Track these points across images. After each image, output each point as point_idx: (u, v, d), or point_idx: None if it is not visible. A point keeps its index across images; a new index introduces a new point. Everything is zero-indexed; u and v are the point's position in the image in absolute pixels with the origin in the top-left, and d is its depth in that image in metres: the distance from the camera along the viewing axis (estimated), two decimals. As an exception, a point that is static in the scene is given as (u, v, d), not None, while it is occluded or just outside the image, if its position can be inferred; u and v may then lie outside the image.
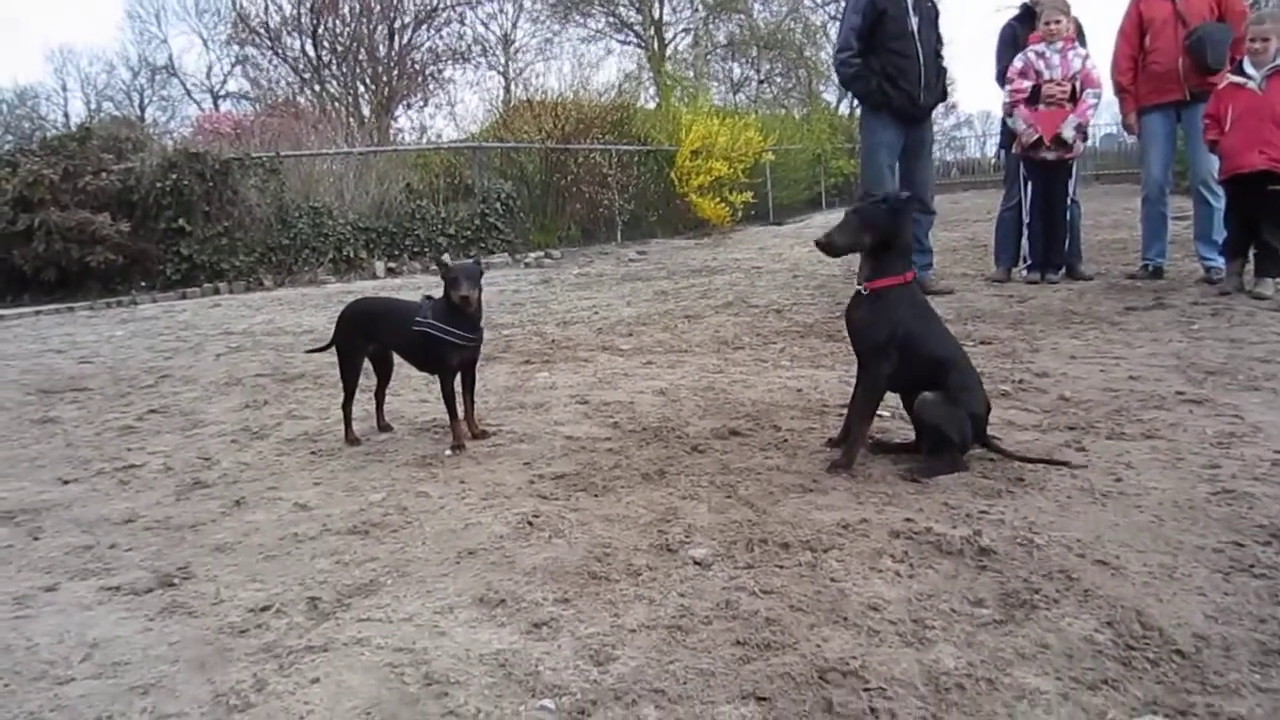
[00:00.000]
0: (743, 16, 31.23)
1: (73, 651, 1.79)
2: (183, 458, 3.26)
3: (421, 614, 1.86)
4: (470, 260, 3.11)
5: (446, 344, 3.03)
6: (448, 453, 3.06)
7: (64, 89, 39.74)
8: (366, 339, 3.28)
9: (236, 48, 27.82)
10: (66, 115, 35.99)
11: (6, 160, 10.51)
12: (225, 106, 30.79)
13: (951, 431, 2.53)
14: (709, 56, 30.71)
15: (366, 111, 22.35)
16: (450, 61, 25.61)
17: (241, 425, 3.67)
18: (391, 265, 11.48)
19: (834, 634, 1.67)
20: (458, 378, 3.16)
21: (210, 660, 1.72)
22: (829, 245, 2.77)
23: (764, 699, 1.47)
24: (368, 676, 1.62)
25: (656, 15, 31.05)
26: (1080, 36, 6.42)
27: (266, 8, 23.72)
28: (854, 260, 6.30)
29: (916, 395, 2.62)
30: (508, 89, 25.56)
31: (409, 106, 24.70)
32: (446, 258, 3.29)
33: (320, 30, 23.58)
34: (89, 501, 2.82)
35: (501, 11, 29.35)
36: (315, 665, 1.67)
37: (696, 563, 2.03)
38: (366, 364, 3.34)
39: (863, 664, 1.56)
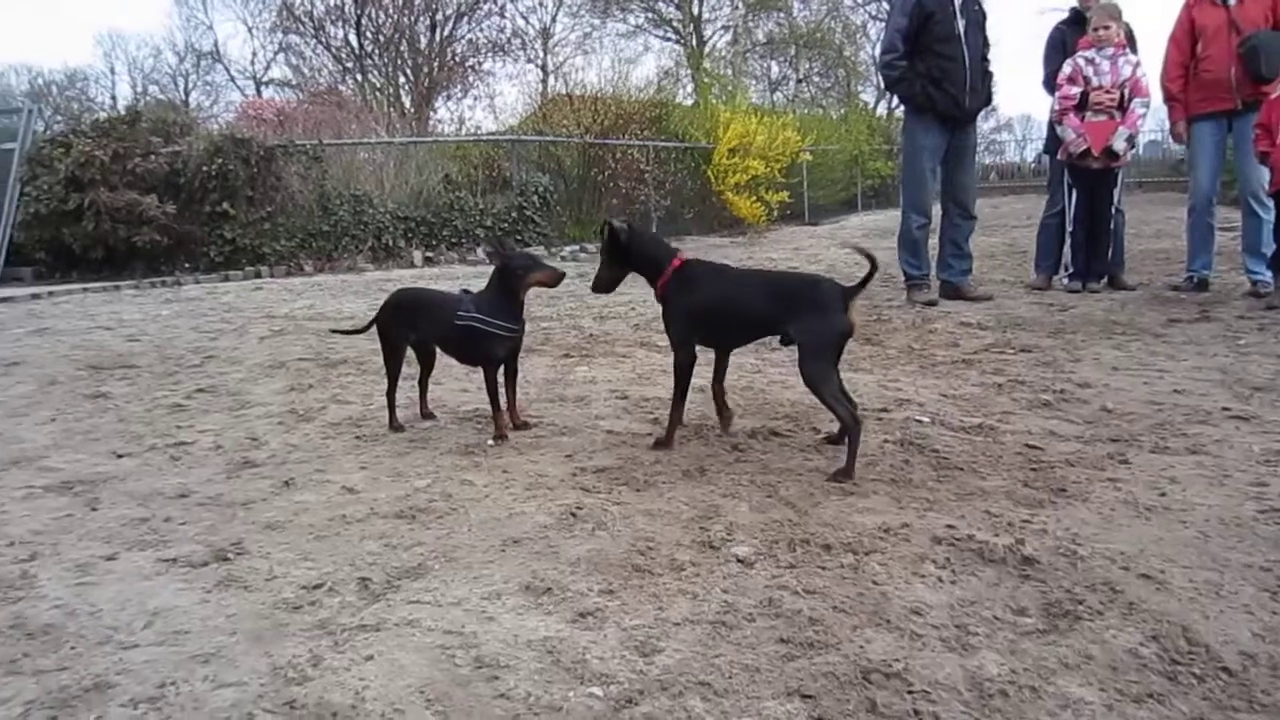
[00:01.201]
0: (782, 15, 31.15)
1: (135, 619, 1.85)
2: (232, 437, 3.33)
3: (469, 599, 1.90)
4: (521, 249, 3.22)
5: (492, 336, 3.08)
6: (490, 442, 3.11)
7: (112, 72, 40.45)
8: (409, 329, 3.33)
9: (280, 35, 28.12)
10: (114, 98, 36.62)
11: (60, 140, 10.71)
12: (268, 93, 31.15)
13: None
14: (747, 54, 30.64)
15: (407, 102, 22.52)
16: (490, 54, 25.76)
17: (287, 407, 3.74)
18: (429, 255, 11.58)
19: (877, 636, 1.69)
20: (501, 369, 3.21)
21: (267, 634, 1.77)
22: (597, 285, 3.13)
23: (809, 697, 1.50)
24: (420, 657, 1.66)
25: (695, 12, 31.06)
26: (1131, 43, 6.35)
27: (311, -4, 23.95)
28: (891, 264, 6.24)
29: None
30: (546, 82, 25.65)
31: (449, 98, 24.84)
32: (488, 247, 3.38)
33: (363, 20, 23.77)
34: (143, 475, 2.89)
35: (541, 5, 29.52)
36: (369, 643, 1.71)
37: (739, 560, 2.06)
38: (410, 353, 3.40)
39: (906, 666, 1.58)
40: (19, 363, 5.06)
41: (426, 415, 3.49)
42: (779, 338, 2.87)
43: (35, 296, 8.94)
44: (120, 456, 3.12)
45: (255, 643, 1.73)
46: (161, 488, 2.75)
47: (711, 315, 2.88)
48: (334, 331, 4.17)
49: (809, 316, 2.70)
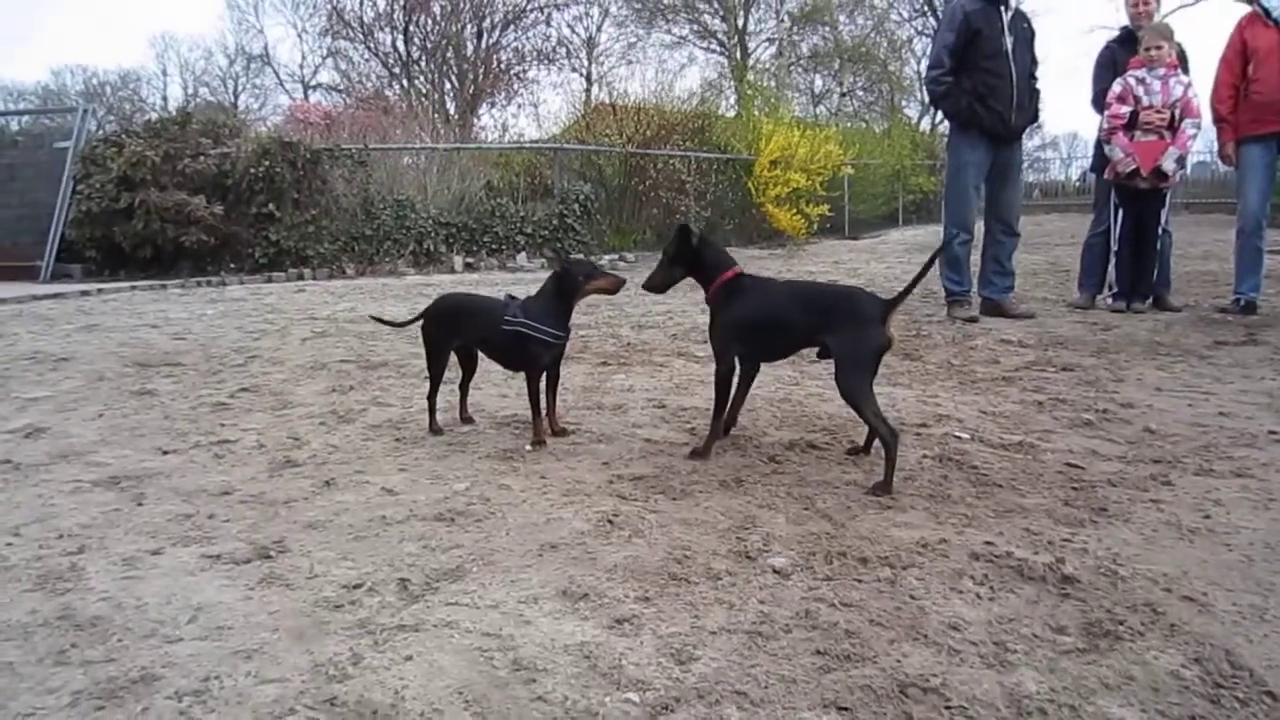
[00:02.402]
0: (827, 28, 31.07)
1: (180, 613, 1.89)
2: (274, 436, 3.38)
3: (507, 602, 1.92)
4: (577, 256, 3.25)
5: (539, 342, 3.10)
6: (528, 448, 3.13)
7: (164, 73, 41.41)
8: (453, 334, 3.37)
9: (329, 40, 28.59)
10: (165, 98, 37.45)
11: (112, 140, 10.97)
12: (315, 97, 31.66)
13: None
14: (791, 67, 30.60)
15: (452, 108, 22.76)
16: (535, 62, 25.99)
17: (329, 409, 3.80)
18: (469, 260, 11.68)
19: (914, 650, 1.69)
20: (543, 375, 3.24)
21: (308, 631, 1.80)
22: (650, 284, 3.16)
23: (845, 709, 1.50)
24: (458, 658, 1.68)
25: (741, 24, 31.09)
26: (1183, 63, 6.27)
27: (361, 3, 24.36)
28: (933, 278, 6.21)
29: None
30: (589, 91, 25.81)
31: (493, 105, 25.09)
32: (549, 252, 3.43)
33: (411, 27, 24.11)
34: (187, 472, 2.94)
35: (587, 14, 29.71)
36: (408, 644, 1.73)
37: (775, 571, 2.06)
38: (452, 358, 3.44)
39: (943, 681, 1.57)
40: (68, 358, 5.17)
41: (466, 419, 3.53)
42: (816, 350, 2.90)
43: (85, 293, 9.15)
44: (165, 453, 3.18)
45: (297, 640, 1.76)
46: (205, 485, 2.80)
47: (752, 327, 2.91)
48: (374, 319, 4.21)
49: (847, 329, 2.71)
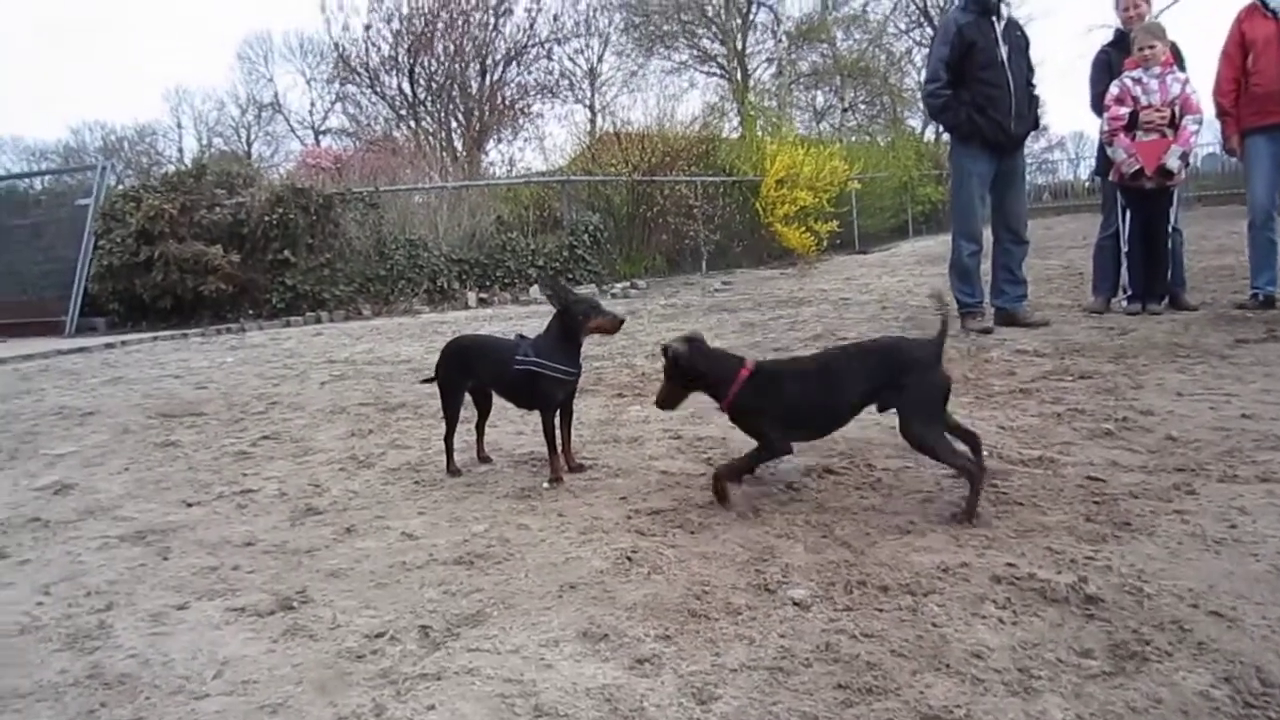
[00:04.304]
0: (825, 46, 31.16)
1: (205, 668, 1.91)
2: (295, 484, 3.41)
3: (528, 646, 1.92)
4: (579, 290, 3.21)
5: (550, 380, 3.12)
6: (546, 486, 3.14)
7: (179, 126, 42.08)
8: (465, 375, 3.39)
9: (337, 86, 28.97)
10: (180, 150, 38.06)
11: (131, 195, 11.18)
12: (326, 142, 32.09)
13: None
14: (792, 86, 30.68)
15: (459, 146, 22.97)
16: (539, 96, 26.24)
17: (348, 453, 3.82)
18: (483, 296, 11.76)
19: (937, 681, 1.68)
20: (557, 412, 3.25)
21: (331, 683, 1.81)
22: (660, 403, 3.05)
23: (869, 743, 1.49)
24: (480, 706, 1.68)
25: (740, 46, 31.24)
26: (1179, 60, 6.26)
27: (366, 49, 24.65)
28: (944, 291, 6.18)
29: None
30: (594, 121, 25.98)
31: (499, 140, 25.32)
32: (547, 290, 3.38)
33: (416, 69, 24.39)
34: (211, 524, 2.97)
35: (588, 46, 29.97)
36: (430, 693, 1.74)
37: (795, 603, 2.05)
38: (467, 398, 3.46)
39: (967, 713, 1.56)
40: (94, 412, 5.24)
41: (483, 459, 3.54)
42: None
43: (109, 346, 9.27)
44: (190, 505, 3.21)
45: (320, 693, 1.77)
46: (229, 536, 2.82)
47: (805, 410, 2.79)
48: (420, 383, 4.24)
49: (908, 379, 2.65)
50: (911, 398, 2.63)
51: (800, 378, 2.83)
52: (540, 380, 3.13)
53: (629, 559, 2.38)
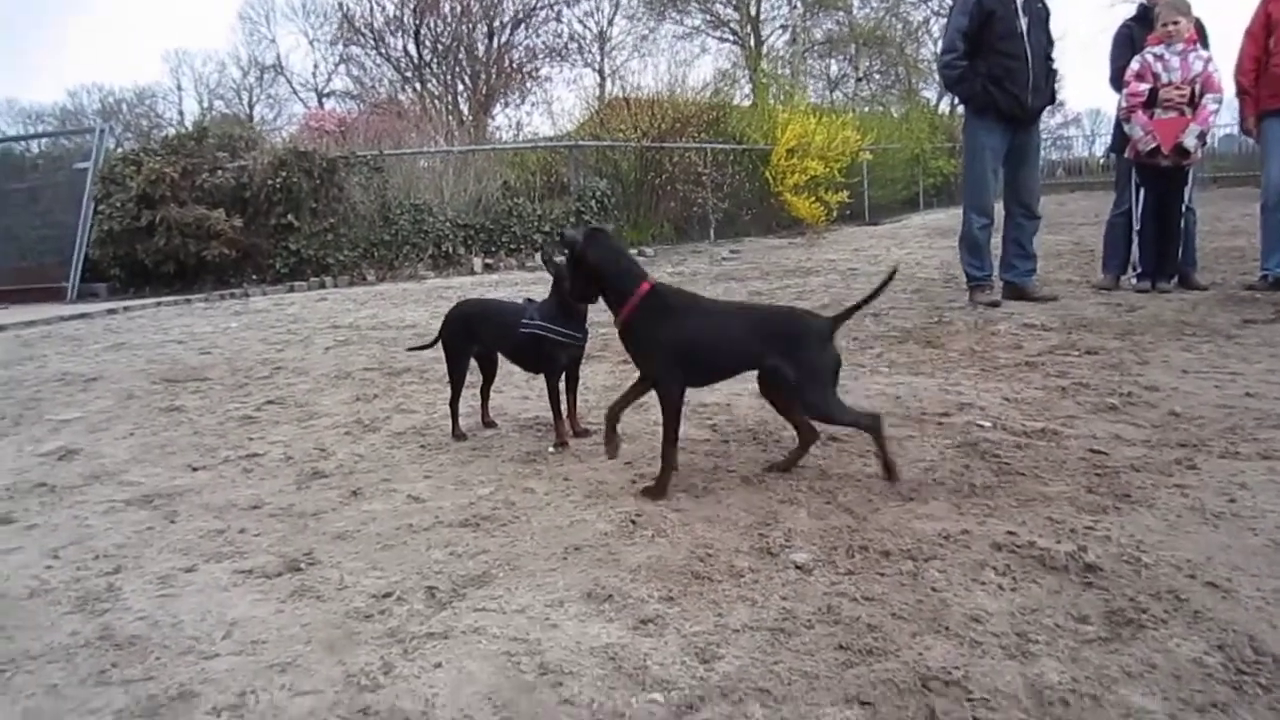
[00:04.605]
0: (842, 13, 30.86)
1: (215, 629, 1.93)
2: (301, 448, 3.43)
3: (533, 606, 1.95)
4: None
5: (555, 343, 3.13)
6: (551, 450, 3.16)
7: (179, 88, 41.88)
8: (471, 340, 3.41)
9: (341, 47, 28.78)
10: (181, 113, 37.89)
11: (131, 159, 11.12)
12: (330, 104, 31.89)
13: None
14: (806, 54, 30.44)
15: (465, 110, 22.85)
16: (547, 59, 26.04)
17: (353, 418, 3.85)
18: (489, 261, 11.74)
19: (936, 643, 1.70)
20: (563, 376, 3.27)
21: (339, 642, 1.84)
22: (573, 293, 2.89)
23: (867, 704, 1.51)
24: (486, 664, 1.71)
25: (753, 12, 30.94)
26: (1203, 38, 6.19)
27: (371, 9, 24.46)
28: (953, 264, 6.17)
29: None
30: (603, 86, 25.80)
31: (506, 105, 25.18)
32: (546, 254, 3.34)
33: (422, 30, 24.21)
34: (217, 488, 3.00)
35: (598, 9, 29.70)
36: (437, 651, 1.77)
37: (797, 567, 2.07)
38: (472, 363, 3.47)
39: (965, 674, 1.58)
40: (97, 378, 5.26)
41: (488, 423, 3.56)
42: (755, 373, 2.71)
43: (111, 312, 9.28)
44: (195, 469, 3.24)
45: (329, 651, 1.80)
46: (235, 500, 2.85)
47: (690, 350, 2.63)
48: (411, 349, 4.24)
49: (802, 351, 2.58)
50: (806, 368, 2.56)
51: (697, 312, 2.68)
52: (544, 344, 3.14)
53: (633, 522, 2.40)
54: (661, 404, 2.63)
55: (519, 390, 4.12)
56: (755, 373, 2.72)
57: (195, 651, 1.84)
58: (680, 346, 2.61)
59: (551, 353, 3.17)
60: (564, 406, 3.27)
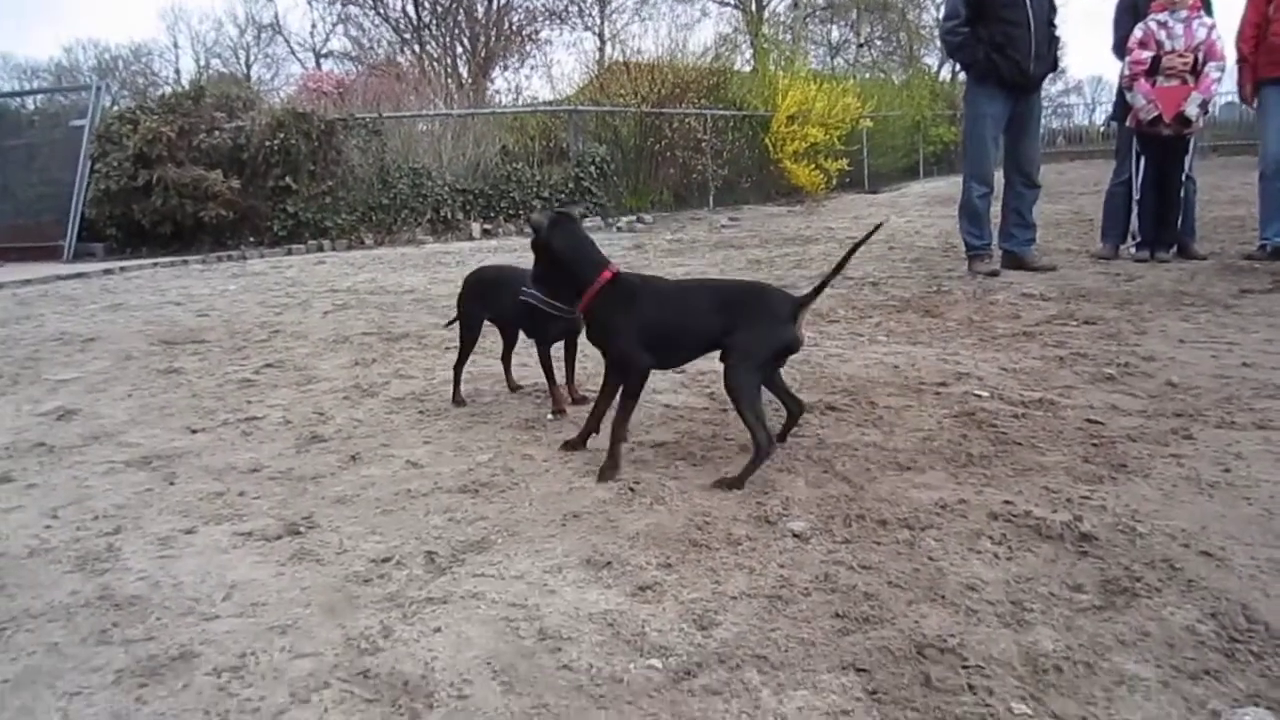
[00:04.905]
0: (843, -23, 30.51)
1: (215, 591, 1.94)
2: (299, 412, 3.43)
3: (532, 572, 1.96)
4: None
5: (546, 315, 3.12)
6: (549, 417, 3.17)
7: (175, 45, 41.50)
8: (483, 307, 3.41)
9: (339, 7, 28.41)
10: (177, 71, 37.52)
11: (128, 117, 11.00)
12: (328, 65, 31.56)
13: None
14: (807, 19, 30.11)
15: (464, 72, 22.63)
16: (547, 22, 25.75)
17: (352, 382, 3.85)
18: (487, 227, 11.69)
19: (932, 611, 1.71)
20: (562, 344, 3.26)
21: (339, 606, 1.85)
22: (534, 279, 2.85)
23: (863, 670, 1.53)
24: (485, 629, 1.72)
25: (755, -24, 30.55)
26: (1207, 4, 6.14)
27: (369, -33, 24.14)
28: (952, 233, 6.16)
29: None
30: (603, 50, 25.53)
31: (505, 68, 24.94)
32: (526, 224, 3.27)
33: (421, -10, 23.90)
34: (216, 450, 3.00)
35: (598, -29, 29.28)
36: (436, 616, 1.78)
37: (795, 535, 2.08)
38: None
39: (960, 642, 1.60)
40: (95, 338, 5.25)
41: (513, 387, 3.57)
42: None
43: (108, 272, 9.25)
44: (194, 432, 3.24)
45: (329, 615, 1.81)
46: (234, 462, 2.85)
47: (654, 333, 2.58)
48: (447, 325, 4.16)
49: (755, 327, 2.49)
50: (744, 343, 2.47)
51: (659, 295, 2.63)
52: (535, 314, 3.13)
53: (631, 490, 2.41)
54: (623, 386, 2.61)
55: (518, 358, 4.10)
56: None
57: (195, 613, 1.85)
58: (643, 329, 2.56)
59: (542, 323, 3.16)
60: (563, 374, 3.28)
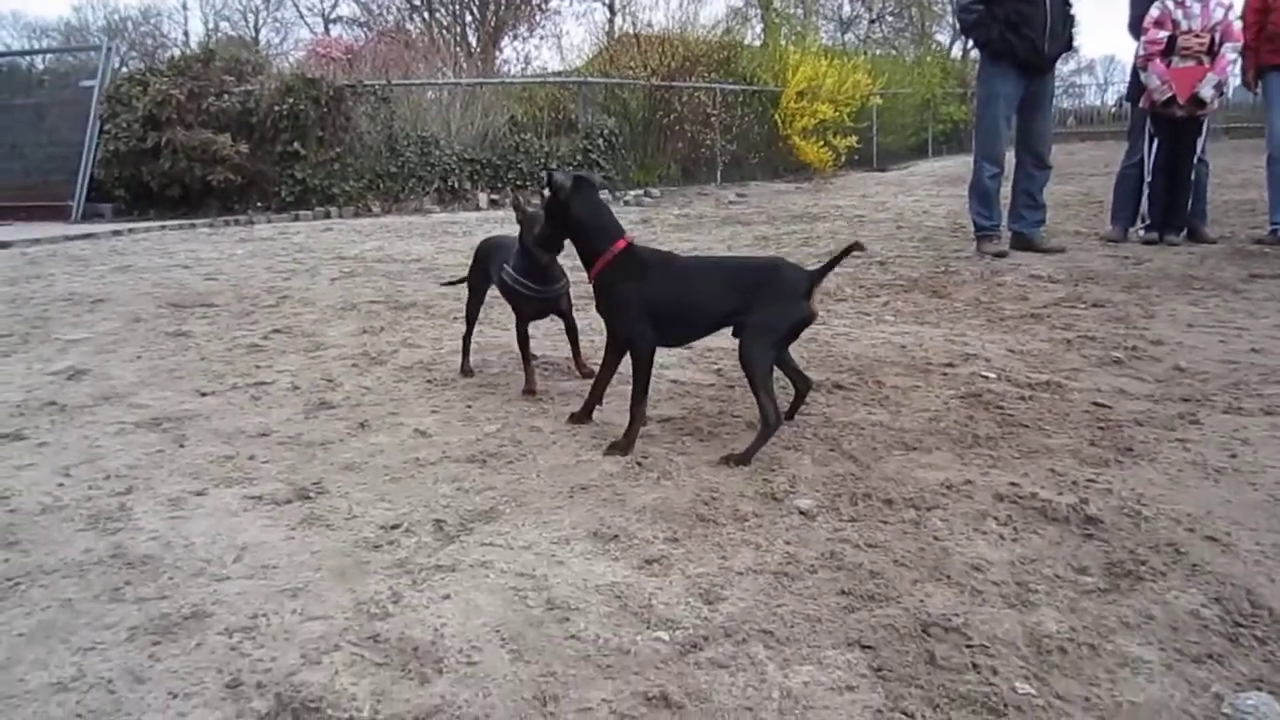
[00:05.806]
0: (857, -48, 30.18)
1: (226, 552, 1.96)
2: (308, 378, 3.44)
3: (539, 543, 1.98)
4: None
5: (517, 294, 3.11)
6: (523, 395, 3.15)
7: (184, 7, 41.27)
8: (485, 277, 3.40)
9: (349, -29, 28.14)
10: (186, 34, 37.27)
11: (138, 79, 10.96)
12: (336, 31, 31.35)
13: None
14: (820, -7, 29.77)
15: (474, 41, 22.45)
16: (557, -9, 25.46)
17: (360, 350, 3.85)
18: (494, 197, 11.64)
19: (937, 591, 1.73)
20: (562, 321, 3.26)
21: (349, 571, 1.87)
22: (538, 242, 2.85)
23: (868, 647, 1.54)
24: (494, 597, 1.74)
25: (768, -52, 30.22)
26: (1226, -15, 6.09)
27: (379, -68, 23.89)
28: (961, 213, 6.12)
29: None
30: (613, 22, 25.30)
31: (515, 37, 24.69)
32: (517, 204, 3.22)
33: (431, -44, 23.68)
34: (226, 414, 3.02)
35: (610, -59, 28.96)
36: (445, 583, 1.80)
37: (801, 512, 2.10)
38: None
39: (965, 621, 1.61)
40: (104, 299, 5.26)
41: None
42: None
43: (116, 233, 9.24)
44: (204, 395, 3.25)
45: (339, 579, 1.83)
46: (244, 426, 2.87)
47: (664, 309, 2.55)
48: (445, 284, 4.13)
49: (771, 302, 2.47)
50: (761, 318, 2.46)
51: (671, 269, 2.61)
52: (509, 292, 3.13)
53: (639, 464, 2.42)
54: (633, 362, 2.58)
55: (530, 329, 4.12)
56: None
57: (207, 573, 1.87)
58: (652, 304, 2.53)
59: (515, 302, 3.13)
60: (558, 351, 3.29)
